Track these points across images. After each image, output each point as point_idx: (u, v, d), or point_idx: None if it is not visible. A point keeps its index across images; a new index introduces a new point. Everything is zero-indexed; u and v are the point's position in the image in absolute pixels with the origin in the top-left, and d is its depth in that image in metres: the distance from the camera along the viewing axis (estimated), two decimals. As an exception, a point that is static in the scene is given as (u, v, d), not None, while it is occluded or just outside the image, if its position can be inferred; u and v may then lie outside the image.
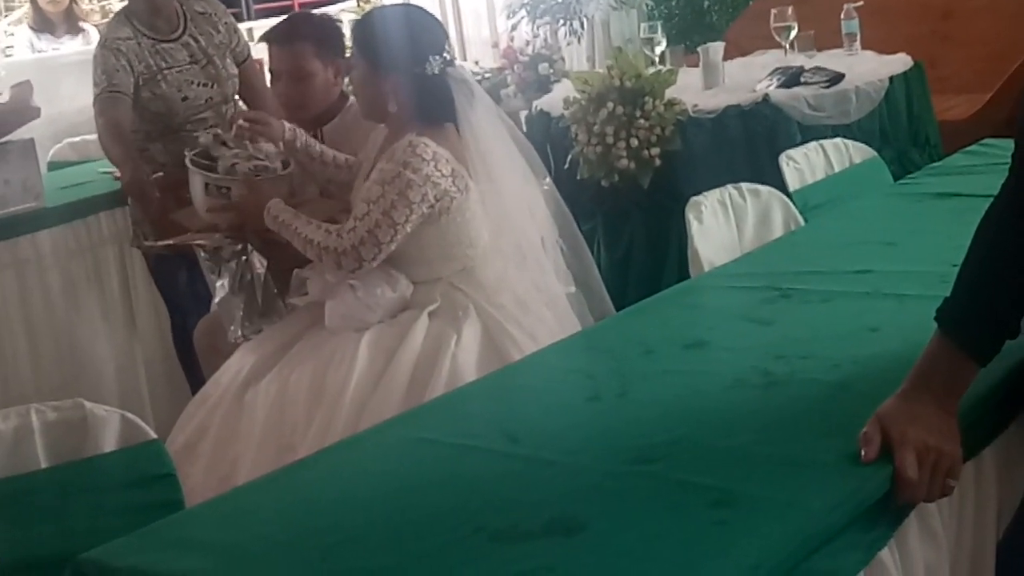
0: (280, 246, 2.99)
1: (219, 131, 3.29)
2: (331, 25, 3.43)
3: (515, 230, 2.88)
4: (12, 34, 6.47)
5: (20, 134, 3.96)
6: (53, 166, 4.93)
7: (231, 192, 3.09)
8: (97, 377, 4.01)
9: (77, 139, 5.23)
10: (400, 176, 2.71)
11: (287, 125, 3.18)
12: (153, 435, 2.01)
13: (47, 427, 1.94)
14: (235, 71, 3.92)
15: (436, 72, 2.80)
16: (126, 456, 1.97)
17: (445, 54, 2.84)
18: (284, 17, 3.64)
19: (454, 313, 2.79)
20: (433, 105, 2.80)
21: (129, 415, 2.01)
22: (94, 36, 6.71)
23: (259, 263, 3.17)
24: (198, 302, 3.63)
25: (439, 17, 6.97)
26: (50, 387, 3.80)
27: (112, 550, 1.62)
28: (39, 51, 6.37)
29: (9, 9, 7.09)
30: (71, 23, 6.57)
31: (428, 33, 2.86)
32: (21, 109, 3.90)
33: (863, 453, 1.60)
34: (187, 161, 3.16)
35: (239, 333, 3.14)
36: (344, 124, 3.33)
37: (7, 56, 5.97)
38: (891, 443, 1.60)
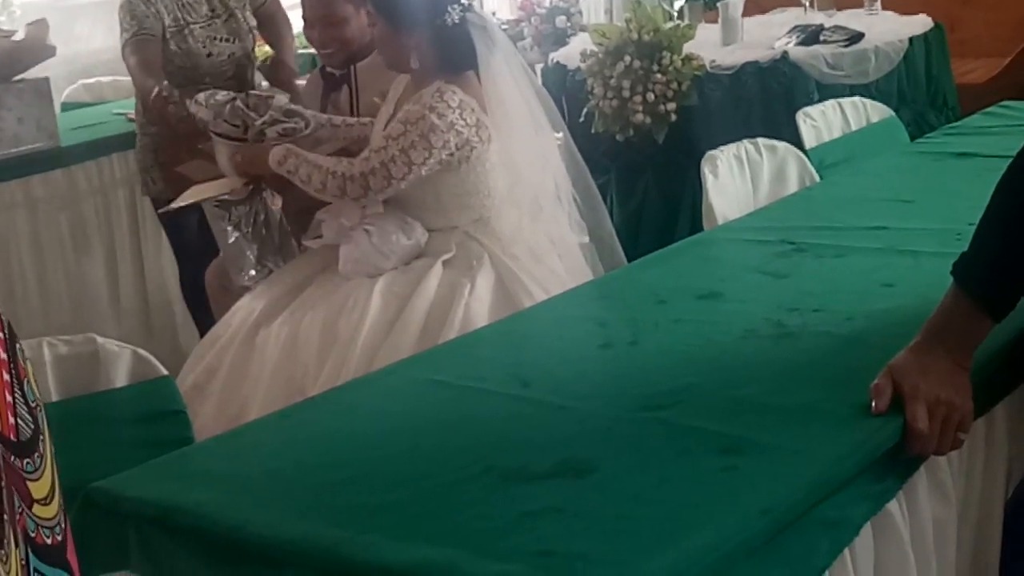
0: (295, 185, 2.98)
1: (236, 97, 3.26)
2: None
3: (531, 179, 2.87)
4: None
5: (35, 73, 3.95)
6: (67, 107, 4.93)
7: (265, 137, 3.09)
8: (105, 318, 4.02)
9: (91, 80, 5.22)
10: (424, 118, 2.70)
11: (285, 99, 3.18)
12: (164, 372, 2.02)
13: (59, 360, 1.95)
14: (254, 22, 3.89)
15: (456, 21, 2.78)
16: (137, 391, 1.97)
17: (464, 1, 2.81)
18: None
19: (468, 262, 2.79)
20: (455, 55, 2.79)
21: (141, 351, 2.02)
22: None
23: (273, 203, 3.16)
24: (206, 248, 3.62)
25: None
26: (59, 325, 3.80)
27: (122, 480, 1.63)
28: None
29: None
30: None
31: None
32: (36, 48, 3.89)
33: (874, 404, 1.60)
34: (211, 131, 3.14)
35: (251, 274, 3.14)
36: (377, 62, 3.30)
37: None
38: (902, 395, 1.60)
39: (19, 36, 4.09)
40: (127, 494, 1.60)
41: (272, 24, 3.97)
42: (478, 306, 2.70)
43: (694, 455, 1.54)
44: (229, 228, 3.16)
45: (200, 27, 3.75)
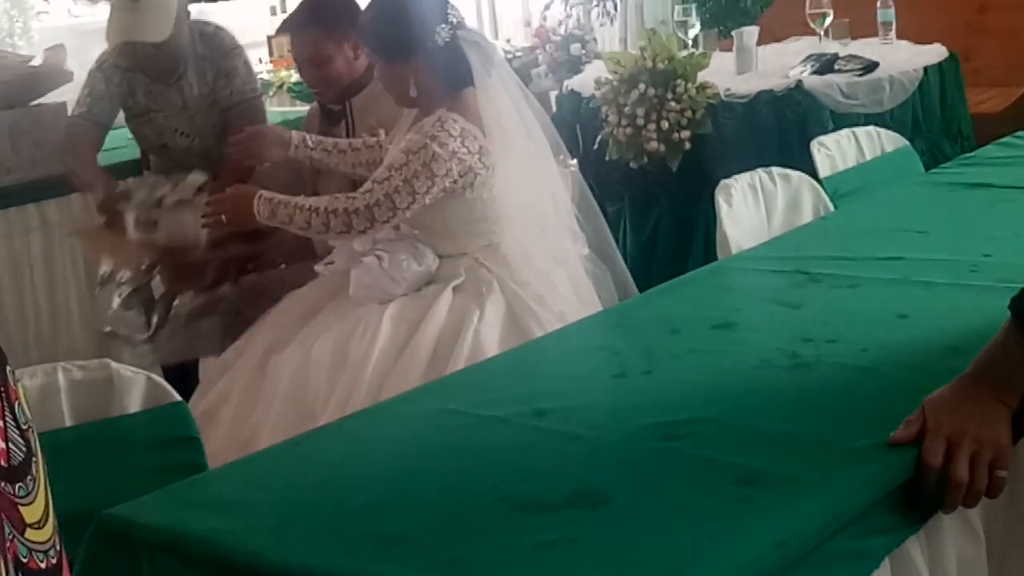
0: (193, 272, 3.02)
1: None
2: (342, 4, 3.39)
3: (531, 197, 2.86)
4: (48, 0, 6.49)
5: (53, 98, 3.97)
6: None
7: (158, 225, 3.16)
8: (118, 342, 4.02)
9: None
10: (426, 148, 2.71)
11: (291, 134, 3.18)
12: (178, 397, 2.02)
13: (73, 386, 1.95)
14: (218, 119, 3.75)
15: (448, 40, 2.78)
16: (151, 417, 1.98)
17: (451, 19, 2.80)
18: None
19: (478, 289, 2.79)
20: (452, 75, 2.79)
21: (155, 376, 2.03)
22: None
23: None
24: None
25: (472, -5, 6.99)
26: (73, 350, 3.82)
27: (136, 507, 1.63)
28: (75, 16, 6.39)
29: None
30: (107, -13, 6.57)
31: (425, 6, 2.83)
32: (54, 73, 3.91)
33: (893, 433, 1.58)
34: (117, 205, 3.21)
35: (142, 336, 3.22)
36: (372, 94, 3.33)
37: (40, 20, 5.98)
38: (926, 430, 1.56)
39: (37, 61, 4.11)
40: (140, 521, 1.59)
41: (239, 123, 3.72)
42: (488, 332, 2.70)
43: (709, 486, 1.54)
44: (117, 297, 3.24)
45: (162, 117, 3.71)
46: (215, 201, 2.95)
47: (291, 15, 3.46)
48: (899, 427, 1.57)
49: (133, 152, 4.23)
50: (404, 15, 2.82)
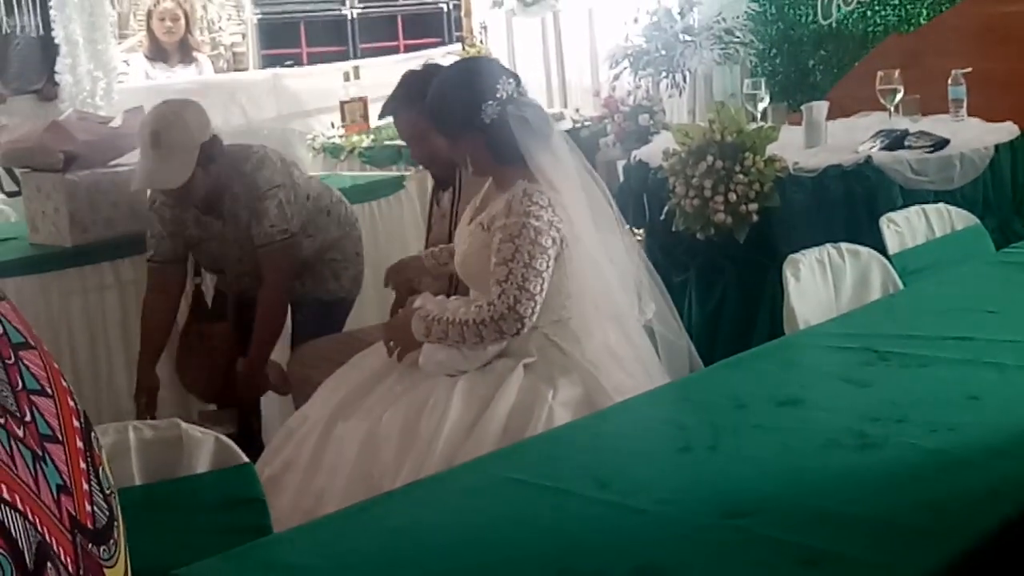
0: None
1: None
2: (437, 85, 3.40)
3: (597, 265, 2.85)
4: (127, 61, 6.65)
5: (130, 158, 4.06)
6: (158, 192, 5.03)
7: None
8: (189, 400, 4.07)
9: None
10: (526, 227, 2.71)
11: (420, 259, 3.30)
12: (245, 459, 2.04)
13: (143, 445, 1.98)
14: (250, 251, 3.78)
15: (495, 117, 2.79)
16: (218, 478, 2.00)
17: (499, 94, 2.81)
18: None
19: (550, 369, 2.76)
20: (507, 150, 2.80)
21: (223, 438, 2.05)
22: (207, 66, 6.88)
23: None
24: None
25: (542, 65, 7.07)
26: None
27: (203, 569, 1.65)
28: (152, 79, 6.53)
29: (123, 36, 7.28)
30: (184, 52, 6.73)
31: (473, 85, 2.84)
32: (133, 134, 3.99)
33: None
34: None
35: None
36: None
37: (120, 82, 6.13)
38: None
39: (116, 123, 4.21)
40: (207, 582, 1.61)
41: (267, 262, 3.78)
42: (562, 412, 2.66)
43: (773, 566, 1.53)
44: None
45: (216, 244, 3.81)
46: (388, 331, 3.01)
47: (389, 98, 3.50)
48: None
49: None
50: (455, 94, 2.86)
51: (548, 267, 2.72)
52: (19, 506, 0.75)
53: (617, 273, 2.86)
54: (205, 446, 2.01)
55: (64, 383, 0.89)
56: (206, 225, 3.78)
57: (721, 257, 4.44)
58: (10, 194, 4.12)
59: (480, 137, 2.81)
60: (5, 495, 0.74)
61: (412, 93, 3.34)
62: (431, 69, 3.46)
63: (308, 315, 3.90)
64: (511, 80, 2.86)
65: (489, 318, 2.71)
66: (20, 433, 0.80)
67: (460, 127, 2.85)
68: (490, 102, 2.80)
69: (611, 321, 2.86)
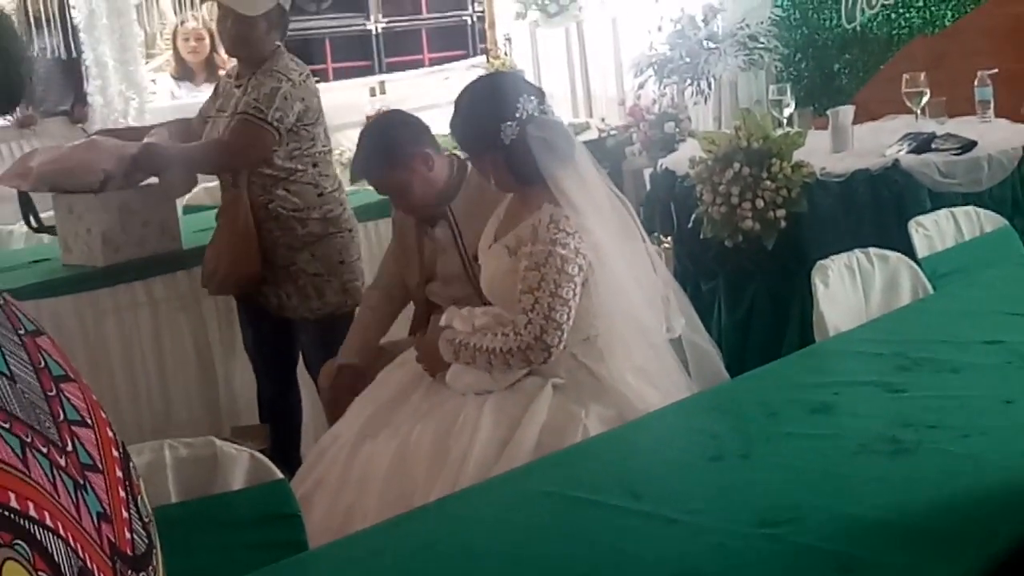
0: None
1: None
2: (393, 131, 3.33)
3: (623, 282, 2.84)
4: (154, 80, 6.70)
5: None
6: (188, 210, 5.07)
7: None
8: (223, 418, 4.10)
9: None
10: (553, 255, 2.70)
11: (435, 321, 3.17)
12: (280, 475, 2.06)
13: (179, 463, 2.00)
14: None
15: (515, 137, 2.78)
16: (254, 495, 2.01)
17: (519, 115, 2.78)
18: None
19: (580, 393, 2.76)
20: (524, 171, 2.79)
21: (258, 454, 2.06)
22: (232, 86, 6.92)
23: None
24: (280, 365, 3.92)
25: (566, 75, 7.08)
26: (180, 423, 3.90)
27: (240, 585, 1.66)
28: (178, 98, 6.58)
29: (150, 56, 7.34)
30: (210, 72, 6.77)
31: (494, 105, 2.83)
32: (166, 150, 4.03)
33: None
34: None
35: None
36: (468, 196, 3.26)
37: (148, 102, 6.18)
38: None
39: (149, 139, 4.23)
40: (244, 599, 1.63)
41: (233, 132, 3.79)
42: (597, 432, 2.64)
43: (808, 574, 1.53)
44: None
45: (223, 117, 3.87)
46: (418, 351, 3.00)
47: (354, 163, 3.44)
48: None
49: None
50: (474, 113, 2.86)
51: (575, 295, 2.71)
52: (61, 532, 0.77)
53: (643, 291, 2.86)
54: (240, 463, 2.03)
55: (103, 414, 0.90)
56: (227, 97, 3.81)
57: (750, 264, 4.44)
58: (37, 229, 4.15)
59: (501, 156, 2.80)
60: (48, 522, 0.76)
61: (377, 153, 3.25)
62: (381, 119, 3.44)
63: (306, 338, 3.87)
64: (533, 98, 2.84)
65: (516, 347, 2.71)
66: (62, 462, 0.82)
67: (481, 147, 2.85)
68: (509, 122, 2.78)
69: (638, 338, 2.85)
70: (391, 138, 3.29)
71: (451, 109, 3.03)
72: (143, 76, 6.06)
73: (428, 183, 3.21)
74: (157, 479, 1.97)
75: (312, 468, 2.95)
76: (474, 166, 3.01)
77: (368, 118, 6.16)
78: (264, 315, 3.87)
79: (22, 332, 0.85)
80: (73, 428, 0.85)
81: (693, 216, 4.46)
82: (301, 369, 4.02)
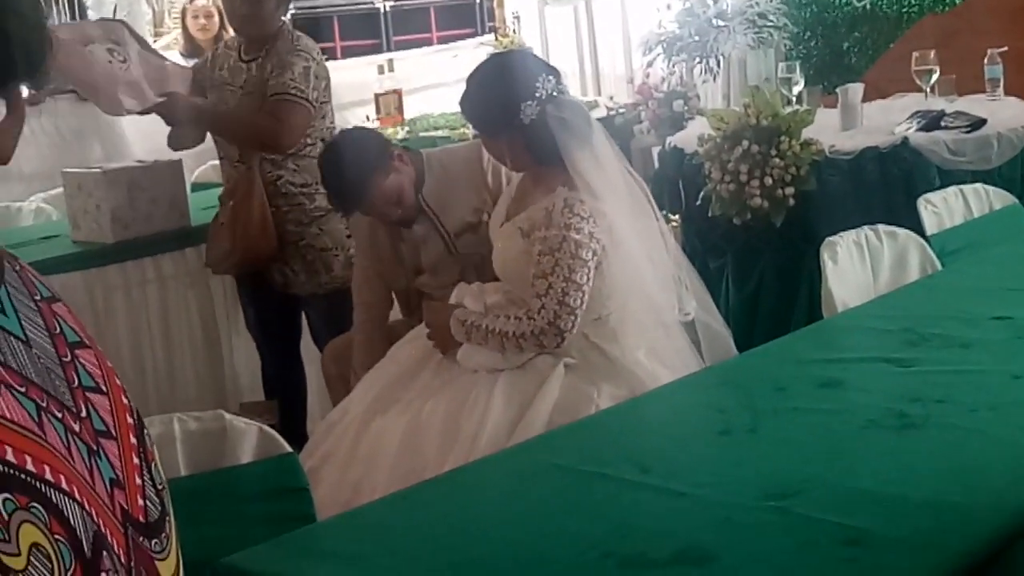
0: None
1: None
2: (369, 143, 3.32)
3: (636, 262, 2.83)
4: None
5: (167, 155, 4.09)
6: (196, 187, 5.08)
7: None
8: (231, 393, 4.11)
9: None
10: (567, 240, 2.69)
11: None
12: (289, 448, 2.06)
13: (188, 436, 2.01)
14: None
15: (534, 118, 2.77)
16: (263, 468, 2.02)
17: (538, 94, 2.78)
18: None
19: (592, 371, 2.76)
20: (541, 152, 2.78)
21: (267, 428, 2.07)
22: (241, 63, 6.92)
23: None
24: (283, 340, 3.92)
25: (575, 53, 7.06)
26: (186, 399, 3.91)
27: (250, 556, 1.67)
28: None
29: (159, 34, 7.33)
30: (220, 49, 6.77)
31: (514, 84, 2.81)
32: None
33: None
34: None
35: None
36: (435, 180, 3.26)
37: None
38: None
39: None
40: (254, 570, 1.64)
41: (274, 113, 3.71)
42: None
43: (816, 546, 1.54)
44: None
45: (229, 90, 3.81)
46: (428, 329, 2.97)
47: (328, 192, 3.39)
48: None
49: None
50: (493, 92, 2.84)
51: (588, 280, 2.70)
52: (76, 496, 0.77)
53: (656, 271, 2.85)
54: (249, 436, 2.04)
55: (118, 381, 0.91)
56: (234, 71, 3.77)
57: (758, 241, 4.43)
58: None
59: (519, 137, 2.78)
60: (64, 486, 0.76)
61: (352, 172, 3.16)
62: (341, 143, 3.36)
63: (314, 314, 3.88)
64: (551, 78, 2.82)
65: (529, 332, 2.70)
66: (76, 428, 0.82)
67: (498, 126, 2.83)
68: (529, 102, 2.77)
69: (650, 318, 2.85)
70: (366, 153, 3.24)
71: (459, 88, 3.02)
72: (152, 54, 6.04)
73: (410, 178, 3.23)
74: (166, 452, 1.98)
75: (320, 443, 2.96)
76: (486, 146, 2.98)
77: (377, 96, 6.17)
78: (267, 293, 3.85)
79: (38, 298, 0.86)
80: (88, 394, 0.85)
81: (701, 194, 4.46)
82: (304, 345, 4.03)
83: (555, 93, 2.81)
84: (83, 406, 0.84)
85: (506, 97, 2.79)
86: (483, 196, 3.20)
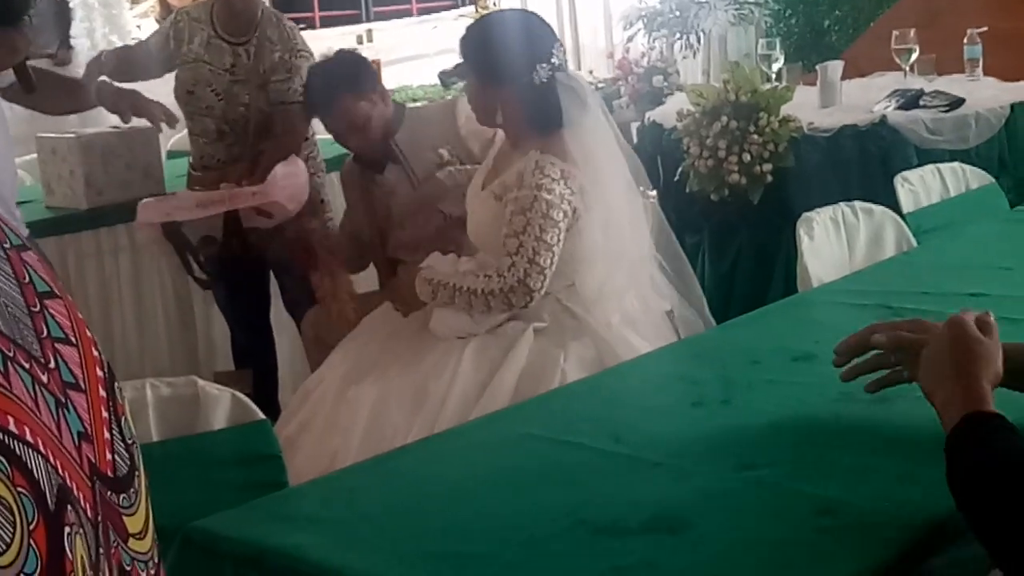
0: None
1: None
2: (354, 65, 3.49)
3: (621, 240, 2.85)
4: (139, 26, 6.64)
5: (143, 122, 4.06)
6: (172, 155, 5.05)
7: None
8: (203, 360, 4.10)
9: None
10: (538, 199, 2.69)
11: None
12: (261, 415, 2.06)
13: (160, 402, 2.00)
14: (261, 105, 3.71)
15: (544, 80, 2.78)
16: (235, 434, 2.02)
17: (554, 60, 2.80)
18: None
19: (561, 334, 2.76)
20: (541, 114, 2.78)
21: (239, 395, 2.06)
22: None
23: None
24: (250, 313, 3.93)
25: (556, 26, 7.04)
26: (159, 367, 3.89)
27: (221, 520, 1.67)
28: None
29: (135, 2, 7.27)
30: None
31: (533, 42, 2.83)
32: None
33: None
34: None
35: None
36: (410, 129, 3.36)
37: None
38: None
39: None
40: (225, 534, 1.63)
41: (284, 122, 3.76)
42: (575, 375, 2.65)
43: (788, 515, 1.54)
44: None
45: (208, 70, 3.77)
46: (390, 293, 3.02)
47: (314, 96, 3.48)
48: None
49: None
50: (507, 43, 2.84)
51: (559, 240, 2.71)
52: (42, 449, 0.76)
53: (636, 238, 2.86)
54: (222, 403, 2.03)
55: (88, 333, 0.89)
56: (213, 49, 3.71)
57: (735, 217, 4.44)
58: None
59: (522, 94, 2.79)
60: (28, 438, 0.75)
61: (342, 81, 3.34)
62: (336, 59, 3.52)
63: (289, 281, 3.86)
64: (562, 48, 2.87)
65: (498, 289, 2.71)
66: (44, 379, 0.81)
67: (504, 78, 2.81)
68: (544, 64, 2.78)
69: (627, 288, 2.85)
70: (353, 72, 3.36)
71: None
72: (127, 20, 6.00)
73: (383, 119, 3.32)
74: (139, 417, 1.97)
75: (296, 411, 2.96)
76: (478, 94, 2.92)
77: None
78: (235, 267, 3.82)
79: (7, 246, 0.84)
80: (56, 345, 0.84)
81: (679, 170, 4.46)
82: (275, 316, 4.01)
83: (563, 65, 2.86)
84: (52, 357, 0.83)
85: (525, 53, 2.80)
86: (454, 148, 3.26)
